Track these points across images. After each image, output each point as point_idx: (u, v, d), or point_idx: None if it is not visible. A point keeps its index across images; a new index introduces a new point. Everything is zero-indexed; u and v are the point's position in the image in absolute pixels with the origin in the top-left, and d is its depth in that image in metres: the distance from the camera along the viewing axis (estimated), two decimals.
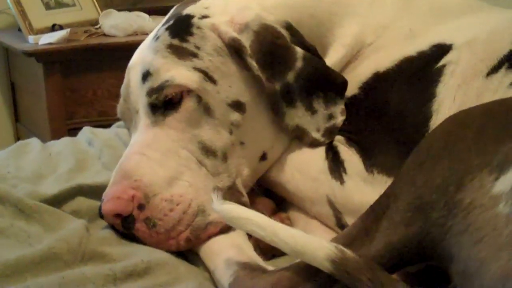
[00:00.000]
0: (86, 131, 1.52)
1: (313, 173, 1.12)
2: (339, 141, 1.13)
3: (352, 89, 1.15)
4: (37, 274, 0.92)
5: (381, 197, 0.89)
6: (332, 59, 1.18)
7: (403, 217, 0.82)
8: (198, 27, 1.11)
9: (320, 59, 1.15)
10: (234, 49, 1.09)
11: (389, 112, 1.09)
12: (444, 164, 0.82)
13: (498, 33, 1.09)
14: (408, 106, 1.08)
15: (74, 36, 2.48)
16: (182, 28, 1.11)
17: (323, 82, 1.13)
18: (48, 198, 1.12)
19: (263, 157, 1.14)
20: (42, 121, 2.56)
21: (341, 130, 1.14)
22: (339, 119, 1.13)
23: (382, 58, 1.16)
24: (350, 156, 1.10)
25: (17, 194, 1.11)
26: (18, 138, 3.00)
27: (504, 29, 1.10)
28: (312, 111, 1.12)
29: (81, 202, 1.15)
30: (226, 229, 1.04)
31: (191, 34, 1.10)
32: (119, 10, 2.68)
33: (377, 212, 0.87)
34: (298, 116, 1.11)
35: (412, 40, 1.16)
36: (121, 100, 1.17)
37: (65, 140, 1.48)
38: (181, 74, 1.07)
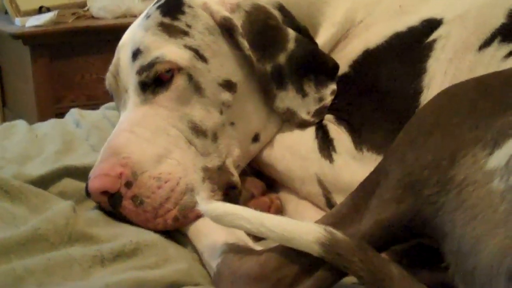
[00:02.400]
0: (74, 113, 1.50)
1: (302, 152, 1.11)
2: (329, 120, 1.12)
3: (342, 68, 1.14)
4: (22, 255, 0.90)
5: (371, 174, 0.87)
6: (322, 38, 1.18)
7: (394, 194, 0.81)
8: (190, 6, 1.10)
9: (312, 41, 1.15)
10: (226, 29, 1.09)
11: (379, 89, 1.08)
12: (435, 140, 0.80)
13: (489, 7, 1.08)
14: (398, 82, 1.07)
15: (61, 19, 2.46)
16: (173, 6, 1.11)
17: (314, 65, 1.13)
18: (34, 179, 1.11)
19: (256, 138, 1.14)
20: (30, 105, 2.54)
21: (331, 109, 1.13)
22: (328, 99, 1.13)
23: (372, 35, 1.15)
24: (339, 134, 1.09)
25: (2, 175, 1.09)
26: (4, 122, 2.97)
27: (495, 2, 1.08)
28: (303, 94, 1.12)
29: (68, 184, 1.13)
30: None
31: (182, 12, 1.10)
32: None
33: (367, 189, 0.85)
34: (288, 98, 1.11)
35: (402, 16, 1.15)
36: (109, 75, 1.16)
37: (52, 121, 1.47)
38: (171, 51, 1.07)
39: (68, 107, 2.44)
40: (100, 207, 1.05)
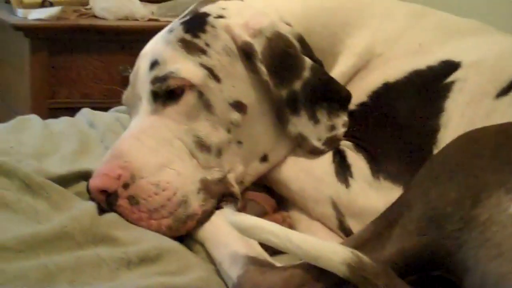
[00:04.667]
0: (86, 113, 1.52)
1: (318, 174, 1.15)
2: (347, 147, 1.16)
3: (361, 97, 1.18)
4: (50, 251, 0.92)
5: (393, 205, 0.92)
6: (342, 66, 1.22)
7: (417, 226, 0.85)
8: (212, 26, 1.14)
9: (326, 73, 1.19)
10: (245, 52, 1.13)
11: (397, 121, 1.12)
12: (459, 179, 0.85)
13: (506, 57, 1.14)
14: (416, 117, 1.11)
15: (63, 15, 2.47)
16: (196, 24, 1.15)
17: (328, 94, 1.16)
18: (54, 177, 1.13)
19: (264, 158, 1.17)
20: (23, 97, 2.54)
21: (349, 136, 1.17)
22: (341, 130, 1.16)
23: (392, 69, 1.19)
24: (357, 161, 1.12)
25: (24, 169, 1.11)
26: None
27: (511, 53, 1.15)
28: (315, 120, 1.15)
29: (84, 186, 1.13)
30: (202, 221, 1.06)
31: (204, 31, 1.13)
32: None
33: (389, 218, 0.89)
34: (301, 124, 1.14)
35: (421, 54, 1.20)
36: (129, 87, 1.20)
37: (65, 119, 1.49)
38: (186, 68, 1.10)
39: (61, 103, 2.50)
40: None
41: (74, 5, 2.59)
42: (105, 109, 1.66)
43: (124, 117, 1.47)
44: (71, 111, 1.62)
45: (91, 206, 1.04)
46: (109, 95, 2.45)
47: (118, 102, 1.55)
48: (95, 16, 2.59)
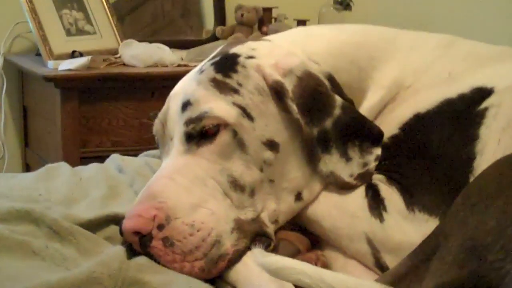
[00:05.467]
0: (116, 158, 1.52)
1: (351, 210, 1.12)
2: (380, 180, 1.13)
3: (392, 129, 1.17)
4: None
5: (429, 236, 0.89)
6: (371, 101, 1.22)
7: (456, 258, 0.82)
8: (243, 66, 1.14)
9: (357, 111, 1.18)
10: (276, 92, 1.13)
11: (431, 152, 1.10)
12: (498, 206, 0.82)
13: None
14: (450, 146, 1.09)
15: (93, 64, 2.49)
16: (227, 64, 1.15)
17: (359, 131, 1.15)
18: (83, 222, 1.12)
19: (298, 197, 1.15)
20: (54, 147, 2.55)
21: (381, 170, 1.14)
22: (373, 165, 1.14)
23: (422, 99, 1.18)
24: (390, 194, 1.10)
25: (52, 215, 1.10)
26: (26, 164, 3.00)
27: None
28: (347, 158, 1.13)
29: (115, 230, 1.13)
30: (234, 262, 1.04)
31: (235, 71, 1.14)
32: (139, 41, 2.69)
33: (426, 251, 0.87)
34: (332, 162, 1.13)
35: (451, 83, 1.18)
36: (157, 121, 1.19)
37: (94, 166, 1.47)
38: (220, 107, 1.10)
39: (93, 151, 2.51)
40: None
41: (103, 54, 2.61)
42: (136, 155, 1.65)
43: (153, 161, 1.48)
44: (102, 159, 1.61)
45: (120, 250, 1.03)
46: (140, 142, 2.46)
47: (149, 149, 1.66)
48: (125, 64, 2.60)
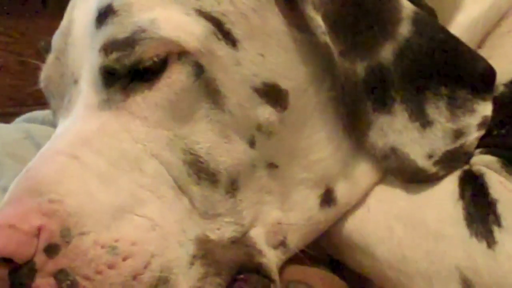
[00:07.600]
0: None
1: (432, 225, 0.80)
2: (487, 165, 0.81)
3: (510, 70, 0.86)
4: None
5: None
6: (471, 11, 0.90)
7: None
8: None
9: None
10: None
11: None
12: None
13: None
14: None
15: None
16: None
17: (448, 70, 0.82)
18: None
19: (327, 198, 0.82)
20: None
21: (490, 145, 0.83)
22: (473, 135, 0.82)
23: None
24: (509, 193, 0.78)
25: None
26: None
27: None
28: (424, 121, 0.82)
29: None
30: None
31: None
32: None
33: None
34: (394, 128, 0.81)
35: None
36: (51, 57, 0.86)
37: None
38: (172, 18, 0.78)
39: None
40: None
41: None
42: (9, 122, 1.34)
43: (40, 131, 1.18)
44: None
45: None
46: (18, 99, 2.04)
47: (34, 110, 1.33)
48: None
